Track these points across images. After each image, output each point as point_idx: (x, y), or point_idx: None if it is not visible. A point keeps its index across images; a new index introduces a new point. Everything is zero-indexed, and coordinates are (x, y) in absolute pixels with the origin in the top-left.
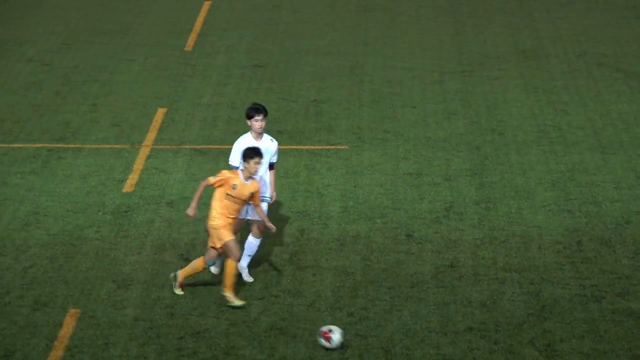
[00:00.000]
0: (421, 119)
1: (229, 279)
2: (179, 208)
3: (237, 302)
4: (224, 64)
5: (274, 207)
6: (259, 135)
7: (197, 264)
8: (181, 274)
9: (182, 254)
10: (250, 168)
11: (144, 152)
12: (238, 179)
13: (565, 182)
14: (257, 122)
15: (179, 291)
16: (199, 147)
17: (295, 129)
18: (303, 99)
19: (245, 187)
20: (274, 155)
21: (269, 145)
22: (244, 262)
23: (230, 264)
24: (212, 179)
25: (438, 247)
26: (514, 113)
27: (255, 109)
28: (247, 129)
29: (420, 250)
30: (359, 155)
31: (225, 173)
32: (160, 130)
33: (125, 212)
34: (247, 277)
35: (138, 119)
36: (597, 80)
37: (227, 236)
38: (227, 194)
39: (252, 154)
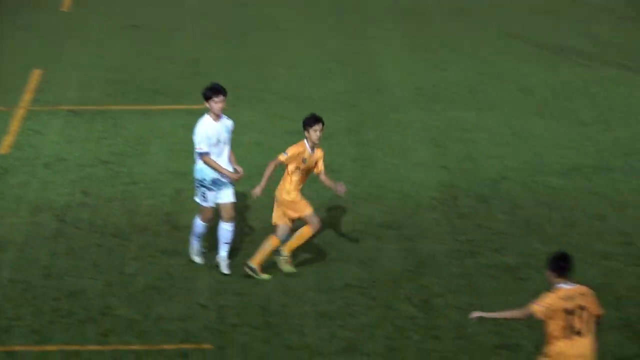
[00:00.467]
0: (300, 78)
1: (297, 241)
2: (55, 169)
3: (288, 268)
4: (101, 24)
5: (152, 166)
6: (217, 116)
7: (269, 244)
8: (255, 260)
9: (58, 215)
10: (312, 136)
11: (19, 113)
12: (306, 151)
13: (442, 139)
14: (217, 104)
15: (266, 276)
16: (75, 108)
17: (173, 89)
18: (181, 59)
19: (313, 157)
20: (231, 133)
21: (227, 124)
22: (223, 251)
23: (306, 231)
24: (282, 158)
25: (316, 204)
26: (392, 71)
27: (216, 90)
28: (120, 95)
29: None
30: (238, 115)
31: (293, 149)
32: (36, 91)
33: (1, 173)
34: (225, 269)
35: (13, 80)
36: (474, 39)
37: (307, 207)
38: (298, 167)
39: (312, 122)
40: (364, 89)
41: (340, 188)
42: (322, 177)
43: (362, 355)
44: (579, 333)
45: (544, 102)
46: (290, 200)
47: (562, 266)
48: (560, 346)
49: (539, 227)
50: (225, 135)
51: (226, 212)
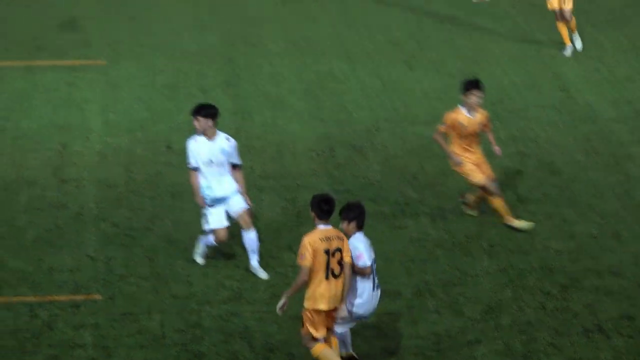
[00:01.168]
0: (176, 32)
1: (501, 210)
2: None
3: (522, 224)
4: None
5: (36, 121)
6: (209, 135)
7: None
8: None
9: None
10: (469, 100)
11: None
12: (462, 114)
13: (316, 90)
14: (199, 123)
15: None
16: None
17: (54, 45)
18: (60, 15)
19: (473, 121)
20: (233, 156)
21: (224, 145)
22: (254, 260)
23: (495, 201)
24: (442, 129)
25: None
26: (265, 25)
27: (206, 108)
28: (2, 51)
29: (179, 162)
30: (117, 70)
31: (449, 116)
32: None
33: None
34: (263, 274)
35: None
36: None
37: (473, 173)
38: (459, 134)
39: (470, 86)
40: (238, 42)
41: (498, 150)
42: (490, 137)
43: (248, 304)
44: (334, 275)
45: (411, 54)
46: (468, 165)
47: (324, 209)
48: (320, 287)
49: (412, 177)
50: (220, 157)
51: (243, 221)
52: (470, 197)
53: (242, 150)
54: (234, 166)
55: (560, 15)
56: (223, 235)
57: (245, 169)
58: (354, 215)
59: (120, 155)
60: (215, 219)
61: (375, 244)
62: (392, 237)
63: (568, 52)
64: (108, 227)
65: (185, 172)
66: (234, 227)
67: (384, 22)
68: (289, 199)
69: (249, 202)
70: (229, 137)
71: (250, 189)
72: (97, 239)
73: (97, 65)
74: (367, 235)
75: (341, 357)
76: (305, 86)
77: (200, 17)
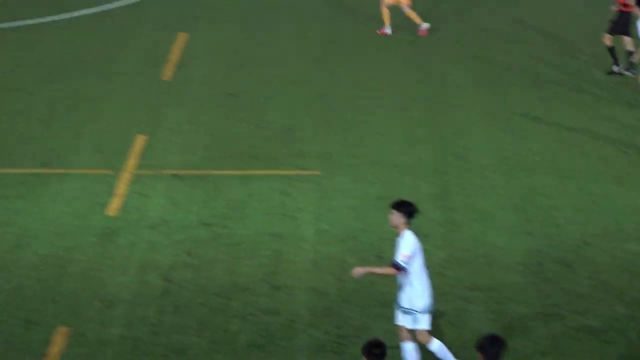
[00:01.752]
0: (388, 145)
1: None
2: (160, 231)
3: None
4: (200, 92)
5: (251, 228)
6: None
7: None
8: None
9: (163, 275)
10: None
11: (126, 177)
12: None
13: (526, 205)
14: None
15: None
16: (178, 172)
17: (269, 155)
18: (276, 126)
19: None
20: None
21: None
22: None
23: None
24: None
25: None
26: (475, 139)
27: (405, 204)
28: (220, 160)
29: None
30: (330, 180)
31: None
32: (141, 156)
33: (109, 234)
34: None
35: (119, 145)
36: (551, 110)
37: None
38: None
39: None
40: (449, 155)
41: None
42: None
43: None
44: None
45: (622, 170)
46: None
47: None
48: None
49: (620, 292)
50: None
51: (422, 337)
52: None
53: (450, 261)
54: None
55: None
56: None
57: (453, 280)
58: None
59: (331, 264)
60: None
61: (584, 357)
62: (601, 351)
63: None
64: (320, 334)
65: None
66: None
67: (594, 139)
68: (497, 310)
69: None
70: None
71: (456, 300)
72: (308, 346)
73: (311, 175)
74: (574, 348)
75: None
76: (515, 200)
77: (411, 130)
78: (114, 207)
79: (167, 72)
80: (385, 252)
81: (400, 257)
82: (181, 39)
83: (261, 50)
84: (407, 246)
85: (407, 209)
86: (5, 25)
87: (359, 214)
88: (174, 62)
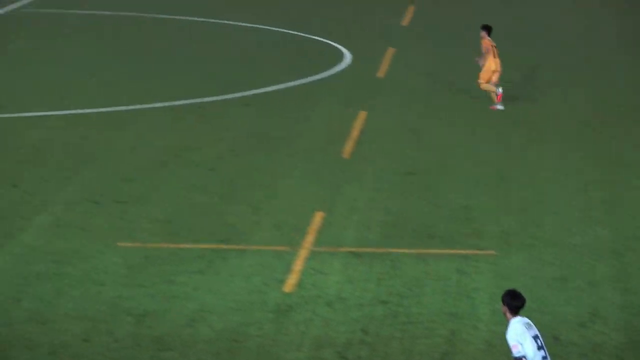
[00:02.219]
0: (565, 225)
1: None
2: (336, 308)
3: None
4: (378, 170)
5: (427, 307)
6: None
7: None
8: None
9: (339, 352)
10: None
11: (303, 253)
12: None
13: None
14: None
15: None
16: (355, 249)
17: (446, 234)
18: (453, 205)
19: None
20: None
21: None
22: None
23: None
24: None
25: (584, 350)
26: None
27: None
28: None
29: (566, 353)
30: (506, 260)
31: None
32: (319, 233)
33: (286, 310)
34: None
35: (298, 221)
36: None
37: None
38: None
39: None
40: (628, 237)
41: None
42: None
43: None
44: None
45: None
46: None
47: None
48: None
49: None
50: None
51: None
52: None
53: (631, 345)
54: None
55: None
56: None
57: None
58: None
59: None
60: None
61: None
62: None
63: None
64: None
65: None
66: None
67: None
68: None
69: None
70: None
71: None
72: None
73: (487, 255)
74: None
75: None
76: None
77: (588, 210)
78: (290, 283)
79: (347, 149)
80: (561, 333)
81: (513, 351)
82: (361, 116)
83: (440, 128)
84: (512, 336)
85: (508, 300)
86: (187, 102)
87: (535, 294)
88: (353, 139)
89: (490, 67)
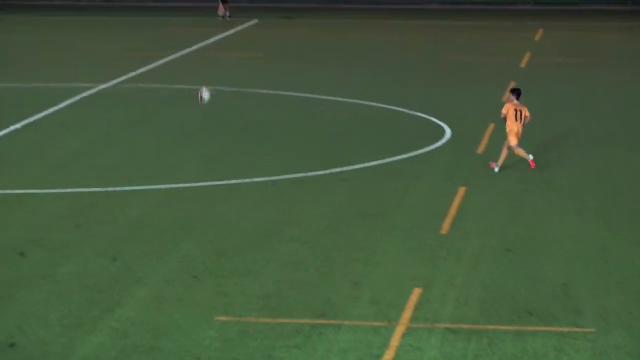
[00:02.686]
0: None
1: None
2: None
3: None
4: (476, 247)
5: None
6: None
7: None
8: None
9: None
10: None
11: (400, 329)
12: None
13: None
14: None
15: None
16: (452, 326)
17: (544, 311)
18: (551, 282)
19: None
20: None
21: None
22: None
23: None
24: None
25: None
26: None
27: None
28: (495, 315)
29: None
30: (606, 338)
31: None
32: (416, 308)
33: None
34: None
35: (395, 297)
36: None
37: None
38: None
39: None
40: None
41: None
42: None
43: None
44: None
45: None
46: None
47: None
48: None
49: None
50: None
51: None
52: None
53: None
54: None
55: None
56: None
57: None
58: None
59: None
60: None
61: None
62: None
63: None
64: None
65: None
66: None
67: None
68: None
69: None
70: None
71: None
72: None
73: (586, 332)
74: None
75: None
76: None
77: None
78: (387, 359)
79: (445, 225)
80: None
81: None
82: (460, 192)
83: (539, 204)
84: None
85: None
86: (287, 176)
87: None
88: (452, 215)
89: (512, 129)
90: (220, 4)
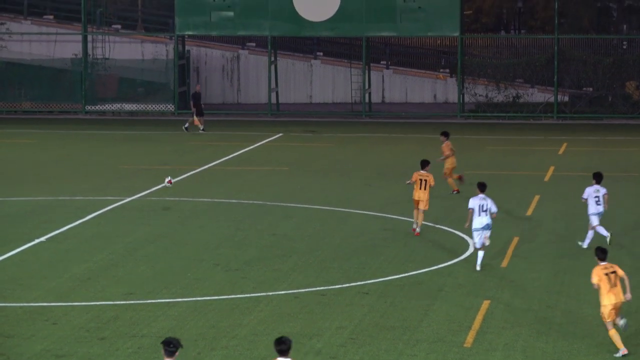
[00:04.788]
0: None
1: None
2: None
3: None
4: None
5: None
6: None
7: None
8: None
9: None
10: None
11: None
12: None
13: None
14: None
15: None
16: None
17: None
18: None
19: None
20: None
21: None
22: None
23: None
24: None
25: None
26: None
27: None
28: None
29: None
30: None
31: None
32: None
33: None
34: None
35: None
36: None
37: None
38: None
39: None
40: None
41: None
42: None
43: None
44: None
45: None
46: None
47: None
48: None
49: None
50: None
51: None
52: None
53: None
54: None
55: None
56: None
57: None
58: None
59: None
60: None
61: None
62: None
63: None
64: None
65: None
66: None
67: None
68: None
69: None
70: None
71: None
72: None
73: None
74: None
75: None
76: None
77: None
78: None
79: (469, 339)
80: None
81: None
82: (484, 305)
83: (563, 318)
84: None
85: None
86: (310, 289)
87: None
88: (475, 329)
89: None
90: (195, 117)
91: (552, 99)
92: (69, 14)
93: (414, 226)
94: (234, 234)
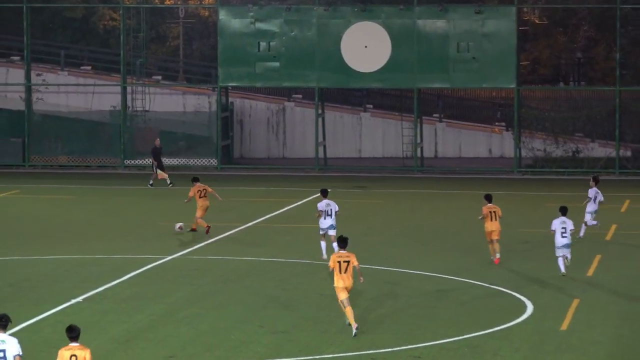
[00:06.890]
0: None
1: None
2: None
3: None
4: None
5: None
6: None
7: None
8: None
9: None
10: None
11: None
12: None
13: None
14: None
15: None
16: None
17: None
18: None
19: None
20: None
21: None
22: None
23: None
24: None
25: None
26: None
27: None
28: None
29: None
30: None
31: None
32: None
33: None
34: None
35: None
36: None
37: None
38: None
39: None
40: None
41: None
42: None
43: None
44: None
45: None
46: None
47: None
48: None
49: None
50: None
51: None
52: None
53: None
54: None
55: None
56: None
57: None
58: None
59: None
60: None
61: None
62: None
63: None
64: None
65: None
66: None
67: None
68: None
69: None
70: None
71: None
72: None
73: None
74: None
75: None
76: None
77: None
78: None
79: None
80: None
81: None
82: None
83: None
84: None
85: None
86: (357, 353)
87: None
88: None
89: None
90: (159, 171)
91: (613, 154)
92: (108, 64)
93: (492, 257)
94: (280, 295)
